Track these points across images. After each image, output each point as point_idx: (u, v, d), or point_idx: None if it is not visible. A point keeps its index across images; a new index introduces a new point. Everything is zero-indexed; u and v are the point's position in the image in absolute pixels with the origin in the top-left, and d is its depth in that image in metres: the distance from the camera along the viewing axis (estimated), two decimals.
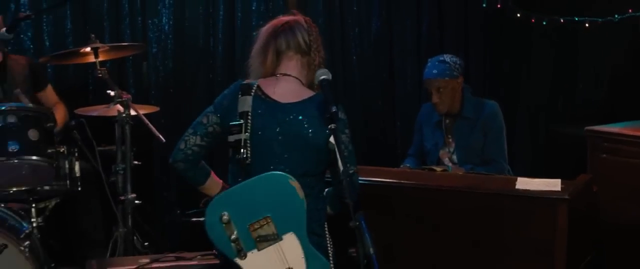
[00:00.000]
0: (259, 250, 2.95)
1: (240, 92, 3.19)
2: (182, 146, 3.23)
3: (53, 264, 4.36)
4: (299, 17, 3.37)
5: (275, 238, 2.95)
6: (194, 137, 3.22)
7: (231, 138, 3.09)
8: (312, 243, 3.04)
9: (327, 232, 3.26)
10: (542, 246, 3.99)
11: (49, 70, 5.40)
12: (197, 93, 5.89)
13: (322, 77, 3.03)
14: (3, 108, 4.16)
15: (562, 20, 6.19)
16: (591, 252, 4.42)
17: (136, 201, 4.50)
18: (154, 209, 5.57)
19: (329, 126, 2.84)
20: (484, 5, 6.31)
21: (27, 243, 3.99)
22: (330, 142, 2.91)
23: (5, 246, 3.87)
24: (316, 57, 3.29)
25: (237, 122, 3.10)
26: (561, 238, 3.95)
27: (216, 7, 5.91)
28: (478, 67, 6.30)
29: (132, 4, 5.70)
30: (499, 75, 6.40)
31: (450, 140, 4.92)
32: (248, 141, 3.10)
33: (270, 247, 2.96)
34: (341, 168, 2.68)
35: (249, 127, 3.10)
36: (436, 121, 4.95)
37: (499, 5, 6.28)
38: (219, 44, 5.93)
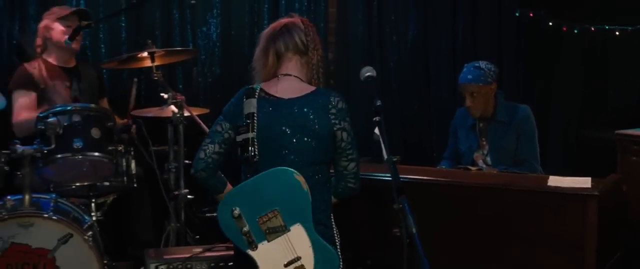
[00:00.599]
0: (268, 241, 3.13)
1: (244, 97, 3.33)
2: (202, 155, 3.32)
3: (108, 258, 4.52)
4: (296, 19, 3.48)
5: (283, 229, 3.11)
6: (212, 146, 3.33)
7: (239, 138, 3.24)
8: (318, 232, 3.16)
9: (333, 222, 3.36)
10: (573, 240, 4.04)
11: (105, 75, 5.55)
12: None
13: (367, 74, 3.15)
14: (69, 108, 4.35)
15: (592, 29, 6.26)
16: (620, 249, 4.46)
17: (188, 196, 4.64)
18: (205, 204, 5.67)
19: (374, 118, 2.94)
20: (517, 14, 6.38)
21: (90, 233, 4.14)
22: (375, 133, 2.98)
23: (71, 236, 4.02)
24: (314, 56, 3.41)
25: (244, 123, 3.24)
26: (591, 232, 4.00)
27: (260, 16, 6.09)
28: (511, 73, 6.39)
29: (182, 14, 5.87)
30: (531, 81, 6.43)
31: (484, 142, 5.00)
32: (255, 139, 3.22)
33: (279, 238, 3.14)
34: (385, 156, 2.81)
35: (255, 127, 3.22)
36: (470, 125, 5.04)
37: (531, 14, 6.34)
38: None
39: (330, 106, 3.26)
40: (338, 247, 3.27)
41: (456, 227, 4.25)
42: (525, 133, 5.00)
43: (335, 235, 3.32)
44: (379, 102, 2.97)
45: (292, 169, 3.12)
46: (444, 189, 4.36)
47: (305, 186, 3.10)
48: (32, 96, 4.81)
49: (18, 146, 4.11)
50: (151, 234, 4.99)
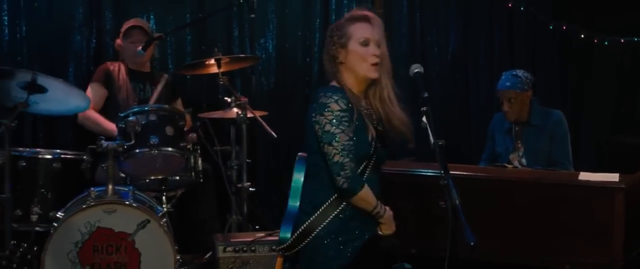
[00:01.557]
0: None
1: None
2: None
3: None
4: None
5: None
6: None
7: None
8: (297, 218, 3.27)
9: (318, 213, 3.24)
10: (601, 230, 4.19)
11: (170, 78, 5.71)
12: (294, 106, 6.26)
13: (416, 70, 3.26)
14: (146, 108, 4.67)
15: (622, 41, 6.35)
16: None
17: (250, 189, 4.91)
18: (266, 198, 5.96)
19: (422, 108, 3.11)
20: (551, 27, 6.47)
21: (164, 220, 4.42)
22: (422, 121, 3.12)
23: (149, 221, 4.29)
24: (329, 52, 3.35)
25: None
26: (619, 223, 4.16)
27: (312, 31, 6.31)
28: (545, 82, 6.44)
29: (242, 28, 6.10)
30: (564, 90, 6.51)
31: (519, 145, 5.15)
32: None
33: None
34: (432, 141, 3.02)
35: None
36: (507, 128, 5.20)
37: (564, 28, 6.42)
38: (315, 63, 6.31)
39: (314, 100, 3.28)
40: (300, 232, 3.26)
41: (494, 218, 4.37)
42: (558, 136, 5.11)
43: (308, 223, 3.26)
44: (426, 94, 3.13)
45: (304, 157, 3.37)
46: (483, 184, 4.50)
47: (301, 174, 3.34)
48: (103, 92, 5.15)
49: (103, 141, 4.40)
50: (217, 227, 5.20)
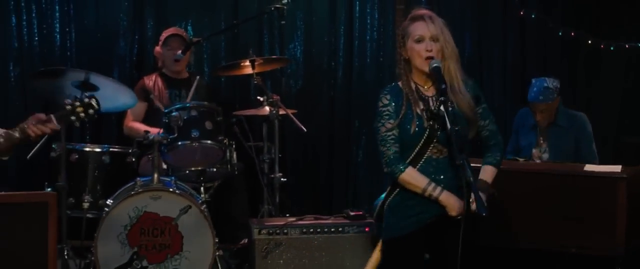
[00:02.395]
0: None
1: None
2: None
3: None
4: None
5: None
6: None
7: None
8: None
9: (387, 192, 3.50)
10: (605, 217, 4.37)
11: (207, 81, 6.03)
12: (320, 107, 6.43)
13: (434, 65, 3.35)
14: (188, 105, 4.92)
15: (627, 46, 6.43)
16: None
17: (282, 179, 5.13)
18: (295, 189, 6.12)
19: (440, 98, 3.26)
20: (560, 33, 6.55)
21: (204, 206, 4.67)
22: (440, 109, 3.26)
23: (190, 207, 4.54)
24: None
25: None
26: (621, 210, 4.34)
27: (337, 37, 6.46)
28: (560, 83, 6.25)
29: (272, 34, 6.30)
30: (574, 92, 6.59)
31: (542, 141, 5.32)
32: None
33: None
34: (449, 126, 3.18)
35: None
36: (531, 124, 5.37)
37: (572, 34, 6.51)
38: (340, 67, 6.48)
39: None
40: (379, 205, 3.53)
41: (508, 207, 4.51)
42: (585, 138, 5.32)
43: (383, 199, 3.52)
44: (444, 86, 3.28)
45: None
46: (500, 175, 4.40)
47: None
48: (143, 106, 5.37)
49: (149, 134, 4.71)
50: (247, 218, 5.27)
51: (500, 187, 4.40)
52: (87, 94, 3.58)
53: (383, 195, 3.52)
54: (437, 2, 6.57)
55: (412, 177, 3.34)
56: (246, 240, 5.13)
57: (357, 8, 6.50)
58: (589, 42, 6.57)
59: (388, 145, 3.36)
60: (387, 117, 3.38)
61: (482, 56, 6.71)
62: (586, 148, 5.28)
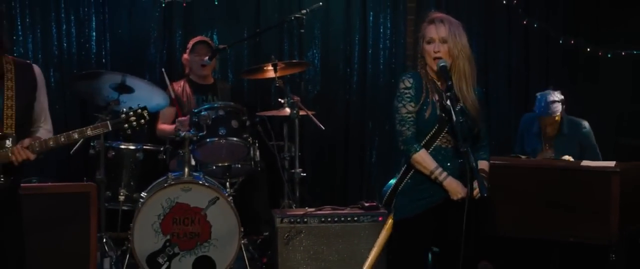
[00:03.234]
0: None
1: None
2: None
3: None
4: None
5: None
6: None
7: None
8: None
9: (399, 176, 3.67)
10: (600, 208, 4.55)
11: (232, 85, 6.20)
12: (336, 110, 6.58)
13: (441, 64, 3.53)
14: (216, 105, 5.13)
15: (623, 53, 6.58)
16: None
17: (302, 174, 5.30)
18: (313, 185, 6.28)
19: (446, 93, 3.47)
20: (561, 41, 6.68)
21: (230, 198, 4.88)
22: (446, 103, 3.47)
23: (218, 198, 4.77)
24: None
25: None
26: (615, 201, 4.52)
27: (352, 45, 6.60)
28: (561, 89, 6.28)
29: (292, 42, 6.46)
30: (574, 96, 6.33)
31: (547, 147, 5.49)
32: None
33: None
34: (454, 118, 3.42)
35: None
36: (536, 131, 5.53)
37: (572, 42, 6.66)
38: (354, 72, 6.63)
39: None
40: (392, 189, 3.70)
41: (512, 199, 4.74)
42: (590, 146, 5.49)
43: (395, 183, 3.70)
44: (450, 83, 3.49)
45: None
46: (503, 170, 4.71)
47: None
48: (172, 110, 5.54)
49: (180, 132, 4.94)
50: (269, 212, 5.36)
51: (505, 181, 4.70)
52: (140, 105, 3.72)
53: (391, 181, 3.73)
54: (446, 12, 6.66)
55: (423, 159, 3.55)
56: (267, 233, 5.34)
57: (371, 18, 6.64)
58: (588, 49, 6.71)
59: (407, 126, 3.57)
60: (408, 99, 3.57)
61: (488, 62, 6.82)
62: (592, 155, 5.41)
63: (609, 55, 6.67)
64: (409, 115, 3.59)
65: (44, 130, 3.68)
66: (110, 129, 3.66)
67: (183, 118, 5.31)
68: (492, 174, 4.50)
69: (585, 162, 4.87)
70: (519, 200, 4.76)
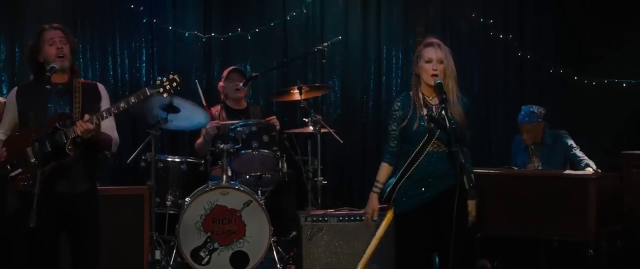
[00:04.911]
0: None
1: None
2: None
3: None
4: None
5: None
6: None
7: None
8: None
9: (397, 176, 3.98)
10: (579, 211, 4.87)
11: (263, 108, 6.47)
12: (354, 132, 6.93)
13: (438, 81, 3.89)
14: (250, 122, 5.52)
15: (606, 81, 6.84)
16: (621, 223, 5.17)
17: (323, 182, 5.64)
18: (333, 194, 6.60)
19: (441, 105, 3.83)
20: (551, 71, 6.92)
21: (262, 201, 5.29)
22: (441, 113, 3.84)
23: (251, 201, 5.20)
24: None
25: None
26: (592, 205, 4.86)
27: (368, 74, 7.00)
28: (552, 112, 6.36)
29: (315, 71, 6.85)
30: (565, 118, 6.69)
31: (535, 159, 5.76)
32: None
33: None
34: (448, 125, 3.82)
35: None
36: (524, 147, 5.83)
37: (561, 71, 6.92)
38: (370, 98, 7.02)
39: None
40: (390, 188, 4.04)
41: (504, 203, 5.04)
42: (569, 147, 5.68)
43: (394, 182, 4.01)
44: (444, 96, 3.86)
45: None
46: (497, 179, 5.17)
47: None
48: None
49: (219, 145, 5.37)
50: (295, 217, 5.49)
51: (499, 188, 5.05)
52: (171, 73, 3.99)
53: (391, 181, 4.07)
54: (451, 44, 6.92)
55: (381, 169, 4.09)
56: (294, 233, 5.66)
57: (384, 51, 7.02)
58: (575, 78, 6.93)
59: (389, 140, 4.07)
60: (393, 119, 4.03)
61: (489, 89, 7.12)
62: (573, 155, 5.65)
63: (594, 84, 6.90)
64: (393, 132, 4.04)
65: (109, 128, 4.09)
66: (148, 94, 3.93)
67: (211, 124, 5.65)
68: (489, 181, 5.02)
69: (567, 172, 5.24)
70: (510, 204, 5.05)
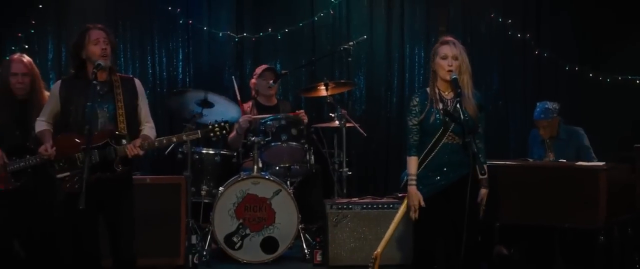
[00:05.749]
0: None
1: None
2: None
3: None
4: None
5: None
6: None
7: None
8: None
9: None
10: (590, 200, 4.85)
11: (292, 104, 6.61)
12: (378, 126, 7.05)
13: (454, 76, 4.02)
14: (279, 116, 5.67)
15: (619, 78, 6.93)
16: (631, 213, 5.18)
17: (348, 173, 5.79)
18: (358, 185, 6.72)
19: (456, 98, 3.98)
20: (567, 68, 7.01)
21: (291, 190, 5.46)
22: (456, 107, 3.98)
23: (281, 190, 5.37)
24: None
25: None
26: (602, 195, 4.83)
27: (392, 71, 7.11)
28: (569, 108, 6.44)
29: (341, 69, 6.97)
30: (581, 114, 6.71)
31: (550, 153, 5.80)
32: None
33: None
34: (462, 117, 3.96)
35: None
36: (540, 141, 5.88)
37: (577, 68, 7.00)
38: (394, 95, 7.12)
39: None
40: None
41: (520, 192, 5.04)
42: (583, 147, 5.76)
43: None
44: (459, 90, 3.96)
45: None
46: (514, 169, 5.21)
47: None
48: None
49: (251, 137, 5.54)
50: (321, 206, 5.62)
51: (514, 178, 5.09)
52: (222, 118, 4.30)
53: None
54: (471, 52, 6.72)
55: (411, 163, 4.18)
56: (320, 224, 5.79)
57: (407, 49, 7.13)
58: (590, 75, 7.00)
59: (411, 134, 4.18)
60: (413, 114, 4.17)
61: (506, 87, 7.20)
62: (586, 155, 5.73)
63: (608, 80, 6.95)
64: (414, 127, 4.18)
65: (149, 128, 4.35)
66: (199, 136, 4.25)
67: (243, 118, 5.82)
68: (505, 173, 5.08)
69: (579, 163, 5.29)
70: (525, 194, 5.08)
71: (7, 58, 5.03)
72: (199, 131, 4.24)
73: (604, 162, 5.15)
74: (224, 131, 4.25)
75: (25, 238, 4.89)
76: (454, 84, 4.11)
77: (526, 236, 5.47)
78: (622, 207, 5.15)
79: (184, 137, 4.24)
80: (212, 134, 4.25)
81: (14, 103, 4.75)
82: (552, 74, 7.19)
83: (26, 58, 4.84)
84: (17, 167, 4.57)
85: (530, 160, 5.74)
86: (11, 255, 4.83)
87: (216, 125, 4.26)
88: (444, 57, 4.14)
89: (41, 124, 4.28)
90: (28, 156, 4.53)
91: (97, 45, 4.18)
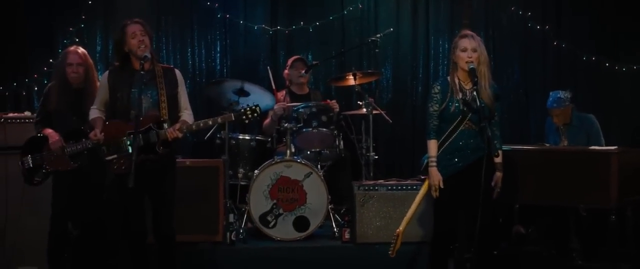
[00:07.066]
0: None
1: None
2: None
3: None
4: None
5: None
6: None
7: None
8: None
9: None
10: (603, 182, 4.98)
11: (322, 93, 6.71)
12: (404, 114, 7.17)
13: (471, 66, 4.20)
14: (310, 104, 5.84)
15: (635, 67, 6.97)
16: None
17: (375, 157, 5.93)
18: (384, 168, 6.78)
19: (474, 87, 4.16)
20: (584, 58, 7.06)
21: (321, 173, 5.61)
22: (473, 94, 4.18)
23: (311, 173, 5.54)
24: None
25: None
26: (614, 176, 4.97)
27: (417, 61, 7.21)
28: (585, 97, 6.93)
29: (369, 59, 7.02)
30: (599, 103, 6.91)
31: (563, 139, 5.93)
32: None
33: None
34: (478, 103, 4.17)
35: None
36: (555, 128, 6.00)
37: (594, 58, 7.05)
38: (419, 84, 7.23)
39: None
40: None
41: (537, 175, 5.17)
42: (594, 133, 5.87)
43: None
44: (476, 79, 4.20)
45: None
46: (531, 153, 5.35)
47: None
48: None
49: (284, 124, 5.71)
50: (350, 189, 5.60)
51: (531, 161, 5.23)
52: (253, 103, 4.48)
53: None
54: (493, 44, 7.14)
55: (431, 145, 4.39)
56: (348, 204, 5.84)
57: (432, 41, 7.24)
58: (607, 64, 7.06)
59: (431, 119, 4.39)
60: (434, 101, 4.37)
61: (527, 77, 7.26)
62: (596, 142, 5.83)
63: (624, 70, 7.01)
64: (435, 113, 4.38)
65: (188, 114, 4.60)
66: (233, 119, 4.46)
67: (278, 105, 6.00)
68: (524, 156, 5.23)
69: (593, 147, 5.43)
70: (542, 176, 5.22)
71: (63, 50, 5.29)
72: (232, 114, 4.46)
73: (616, 147, 5.23)
74: (255, 114, 4.42)
75: (78, 217, 5.14)
76: (472, 74, 4.28)
77: (543, 216, 5.63)
78: (634, 188, 5.23)
79: (219, 120, 4.46)
80: (244, 117, 4.43)
81: (71, 91, 5.02)
82: (571, 65, 7.24)
83: (81, 49, 5.11)
84: (74, 150, 4.87)
85: (547, 145, 5.88)
86: (65, 233, 5.09)
87: (248, 109, 4.45)
88: (464, 50, 4.31)
89: (94, 112, 4.59)
90: (84, 140, 4.80)
91: (135, 38, 4.45)
